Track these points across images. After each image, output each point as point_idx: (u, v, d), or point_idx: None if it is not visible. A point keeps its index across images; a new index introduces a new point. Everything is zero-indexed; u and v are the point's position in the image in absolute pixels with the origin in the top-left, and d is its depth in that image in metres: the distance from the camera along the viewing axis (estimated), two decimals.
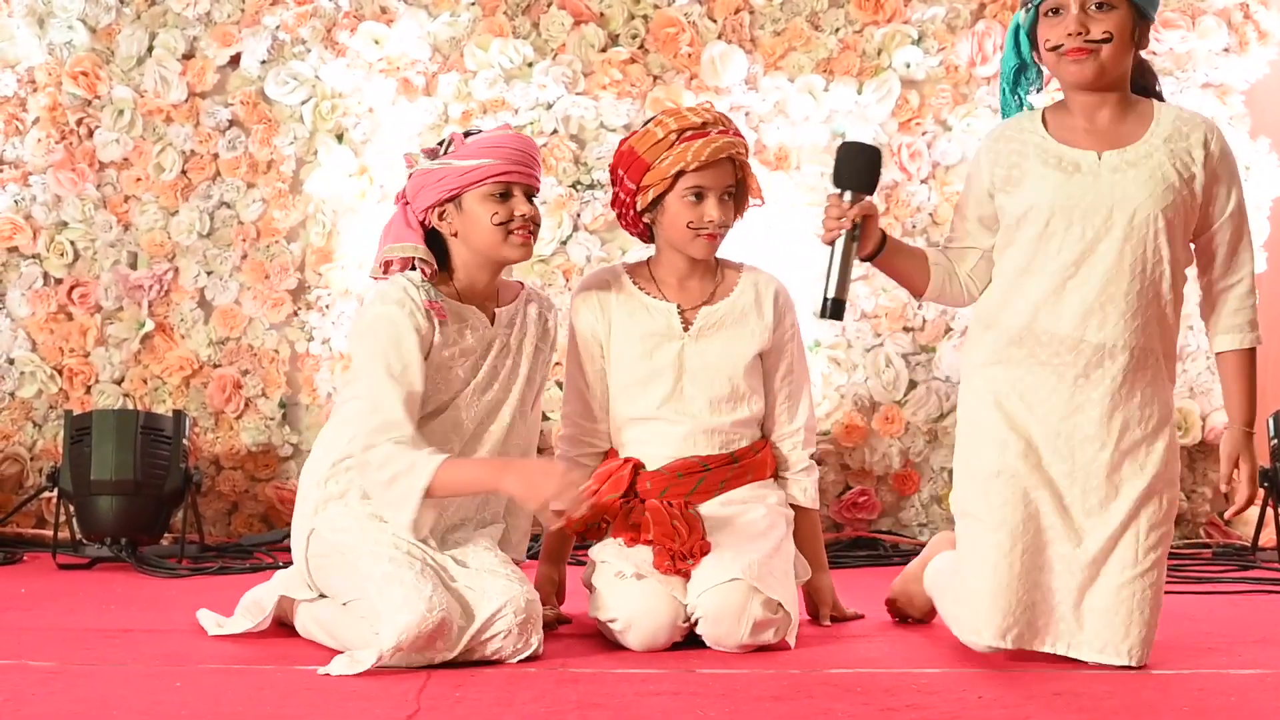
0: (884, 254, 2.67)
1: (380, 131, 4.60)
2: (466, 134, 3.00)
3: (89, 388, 4.60)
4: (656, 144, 3.02)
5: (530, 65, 4.63)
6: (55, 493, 4.21)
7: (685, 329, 3.05)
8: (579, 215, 4.65)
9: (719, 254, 3.10)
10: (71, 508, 4.18)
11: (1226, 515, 2.54)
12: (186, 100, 4.66)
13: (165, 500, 4.20)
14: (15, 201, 4.61)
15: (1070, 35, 2.56)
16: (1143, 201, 2.60)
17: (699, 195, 3.00)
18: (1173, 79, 4.63)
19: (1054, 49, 2.61)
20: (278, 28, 4.62)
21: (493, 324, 3.03)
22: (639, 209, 3.04)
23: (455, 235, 2.99)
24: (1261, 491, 4.18)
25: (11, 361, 4.61)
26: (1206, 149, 2.61)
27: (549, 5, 4.66)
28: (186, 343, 4.63)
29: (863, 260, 2.63)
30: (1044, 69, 2.67)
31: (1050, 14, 2.59)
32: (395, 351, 2.87)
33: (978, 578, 2.58)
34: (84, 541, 4.19)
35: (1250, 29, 4.69)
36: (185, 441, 4.27)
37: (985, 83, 4.61)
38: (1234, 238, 2.66)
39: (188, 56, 4.67)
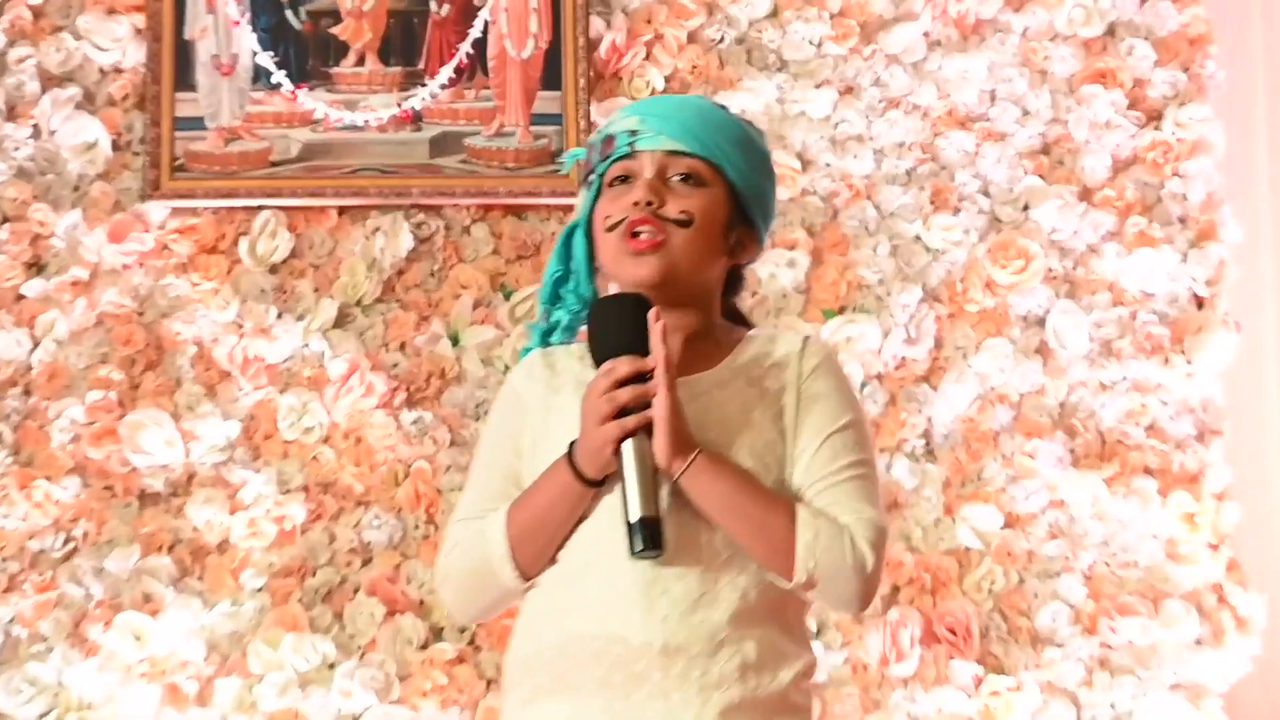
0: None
1: None
2: None
3: None
4: None
5: (331, 667, 3.78)
6: None
7: None
8: None
9: None
10: None
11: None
12: None
13: None
14: None
15: (635, 205, 1.96)
16: (712, 441, 1.95)
17: None
18: (1133, 678, 3.85)
19: (613, 227, 2.00)
20: (12, 620, 3.78)
21: None
22: None
23: None
24: None
25: None
26: (800, 368, 2.02)
27: (355, 591, 3.83)
28: None
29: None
30: (596, 273, 2.08)
31: (617, 182, 2.00)
32: None
33: None
34: None
35: (1227, 615, 3.90)
36: None
37: (902, 685, 3.78)
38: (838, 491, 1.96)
39: None
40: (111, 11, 3.85)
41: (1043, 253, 3.89)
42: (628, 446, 1.87)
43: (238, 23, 3.79)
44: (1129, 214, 3.97)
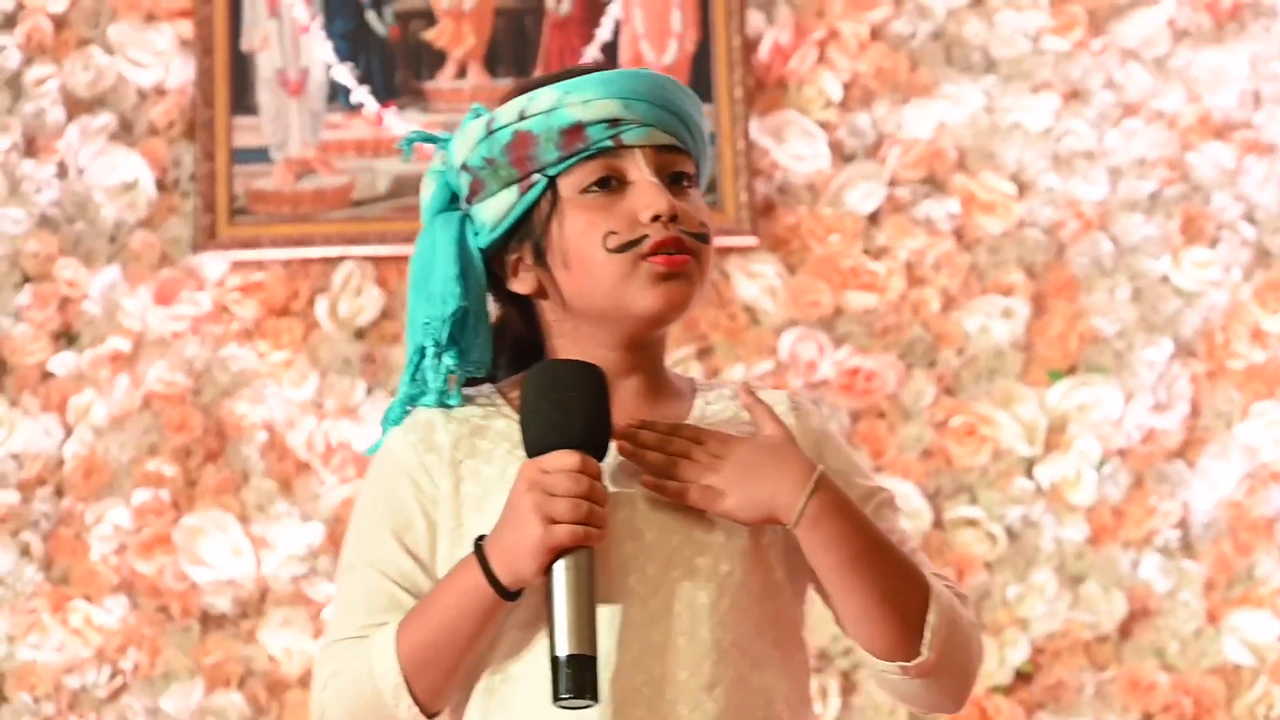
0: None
1: None
2: None
3: None
4: None
5: None
6: None
7: None
8: None
9: None
10: None
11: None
12: None
13: None
14: None
15: (657, 219, 1.76)
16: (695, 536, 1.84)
17: None
18: None
19: (625, 248, 1.77)
20: None
21: None
22: None
23: None
24: None
25: None
26: (805, 427, 1.89)
27: None
28: None
29: None
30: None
31: (595, 188, 1.78)
32: None
33: None
34: None
35: None
36: None
37: None
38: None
39: None
40: (151, 19, 3.79)
41: None
42: (565, 564, 1.69)
43: (307, 29, 3.74)
44: None
